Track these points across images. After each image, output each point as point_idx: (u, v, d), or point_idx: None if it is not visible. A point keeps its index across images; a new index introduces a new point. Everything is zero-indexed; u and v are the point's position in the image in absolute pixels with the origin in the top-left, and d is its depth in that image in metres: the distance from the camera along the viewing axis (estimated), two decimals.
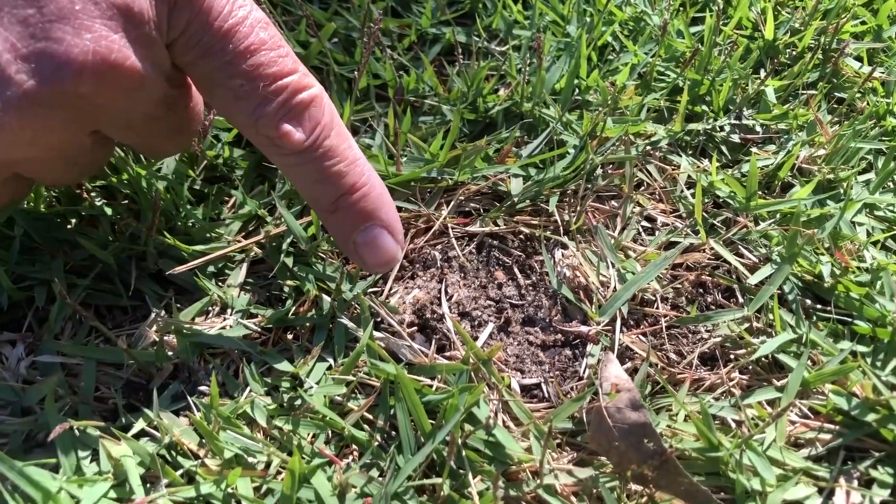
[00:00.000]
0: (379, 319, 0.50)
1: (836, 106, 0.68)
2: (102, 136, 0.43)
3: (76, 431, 0.43)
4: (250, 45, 0.42)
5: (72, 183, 0.49)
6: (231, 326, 0.51)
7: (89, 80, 0.36)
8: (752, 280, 0.52)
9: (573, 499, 0.43)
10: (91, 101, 0.37)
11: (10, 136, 0.36)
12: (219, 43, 0.41)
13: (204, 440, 0.44)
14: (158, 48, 0.39)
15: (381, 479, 0.43)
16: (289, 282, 0.53)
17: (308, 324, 0.51)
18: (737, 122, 0.63)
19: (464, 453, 0.43)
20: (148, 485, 0.42)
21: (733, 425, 0.47)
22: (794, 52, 0.71)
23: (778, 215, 0.57)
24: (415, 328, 0.50)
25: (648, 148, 0.61)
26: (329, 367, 0.48)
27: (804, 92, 0.68)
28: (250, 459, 0.43)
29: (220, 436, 0.44)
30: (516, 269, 0.55)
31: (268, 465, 0.43)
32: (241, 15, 0.42)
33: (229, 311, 0.52)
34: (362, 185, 0.46)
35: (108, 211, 0.54)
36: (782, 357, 0.49)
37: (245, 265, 0.53)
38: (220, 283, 0.53)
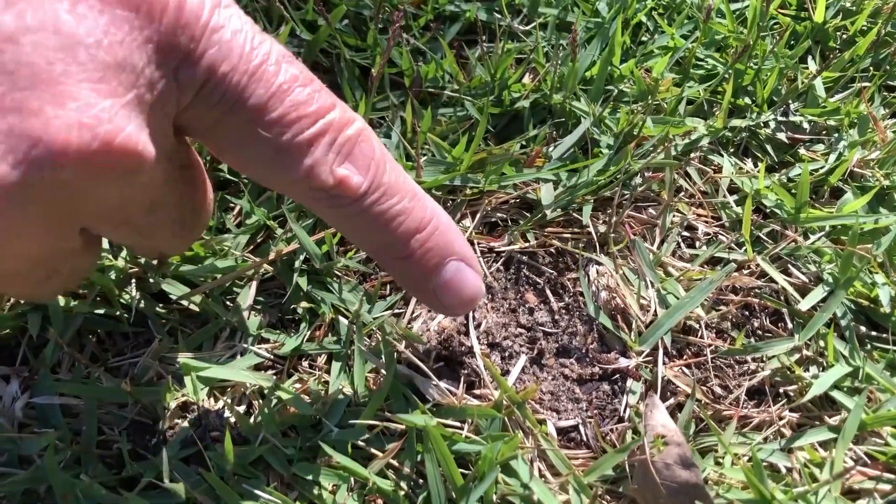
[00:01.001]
0: (402, 347, 0.47)
1: (893, 97, 0.63)
2: (90, 237, 0.35)
3: (80, 495, 0.40)
4: (282, 84, 0.34)
5: (50, 297, 0.38)
6: (242, 355, 0.47)
7: (75, 163, 0.28)
8: (803, 306, 0.48)
9: None
10: (76, 191, 0.29)
11: None
12: (247, 90, 0.33)
13: (219, 494, 0.41)
14: (160, 117, 0.32)
15: None
16: (303, 304, 0.49)
17: (325, 353, 0.47)
18: (783, 118, 0.58)
19: None
20: None
21: (784, 470, 0.44)
22: (846, 37, 0.66)
23: (828, 227, 0.52)
24: (441, 363, 0.46)
25: (688, 148, 0.57)
26: (349, 403, 0.45)
27: (856, 83, 0.62)
28: None
29: (235, 489, 0.41)
30: (548, 290, 0.51)
31: None
32: (263, 51, 0.34)
33: (239, 335, 0.48)
34: (431, 218, 0.40)
35: None
36: (836, 394, 0.45)
37: (255, 283, 0.49)
38: (228, 304, 0.49)
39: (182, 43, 0.31)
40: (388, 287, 0.51)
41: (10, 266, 0.30)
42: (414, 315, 0.50)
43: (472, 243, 0.52)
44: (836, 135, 0.58)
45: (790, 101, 0.60)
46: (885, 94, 0.63)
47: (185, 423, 0.44)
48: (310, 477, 0.42)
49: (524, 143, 0.57)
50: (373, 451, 0.43)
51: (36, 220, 0.29)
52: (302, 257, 0.50)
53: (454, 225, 0.42)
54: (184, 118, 0.33)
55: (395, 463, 0.43)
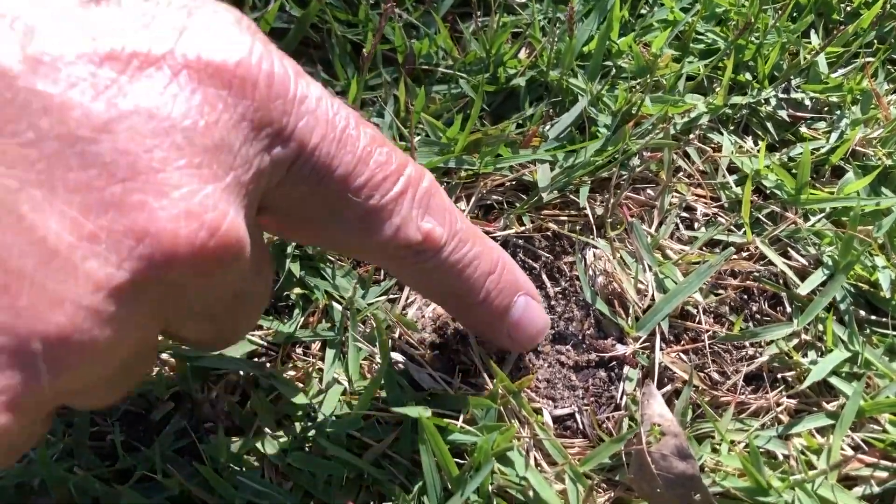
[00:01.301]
0: (396, 335, 0.46)
1: None
2: (163, 334, 0.32)
3: (73, 489, 0.39)
4: (365, 146, 0.33)
5: (112, 403, 0.33)
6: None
7: (184, 256, 0.25)
8: (803, 290, 0.48)
9: None
10: (179, 286, 0.26)
11: (78, 356, 0.24)
12: (336, 159, 0.31)
13: (213, 486, 0.41)
14: (253, 199, 0.29)
15: None
16: (296, 290, 0.48)
17: (319, 340, 0.47)
18: (784, 94, 0.57)
19: (494, 502, 0.40)
20: None
21: (781, 457, 0.44)
22: (850, 9, 0.64)
23: (828, 208, 0.52)
24: (436, 351, 0.46)
25: (688, 126, 0.56)
26: (344, 391, 0.45)
27: (859, 58, 0.61)
28: None
29: (230, 480, 0.41)
30: (544, 275, 0.50)
31: None
32: (343, 115, 0.32)
33: None
34: (499, 257, 0.40)
35: None
36: (834, 380, 0.45)
37: None
38: None
39: (274, 118, 0.29)
40: (382, 272, 0.50)
41: (98, 374, 0.27)
42: (409, 301, 0.49)
43: None
44: (839, 112, 0.57)
45: (792, 77, 0.58)
46: (889, 68, 0.62)
47: (179, 414, 0.44)
48: (305, 467, 0.42)
49: (520, 122, 0.56)
50: (368, 440, 0.42)
51: (140, 323, 0.27)
52: (293, 243, 0.49)
53: (513, 260, 0.42)
54: (269, 198, 0.31)
55: (390, 453, 0.42)
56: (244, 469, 0.41)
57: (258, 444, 0.42)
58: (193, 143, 0.26)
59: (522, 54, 0.60)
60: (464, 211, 0.51)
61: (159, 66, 0.26)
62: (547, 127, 0.55)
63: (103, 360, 0.26)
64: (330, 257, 0.50)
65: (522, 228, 0.51)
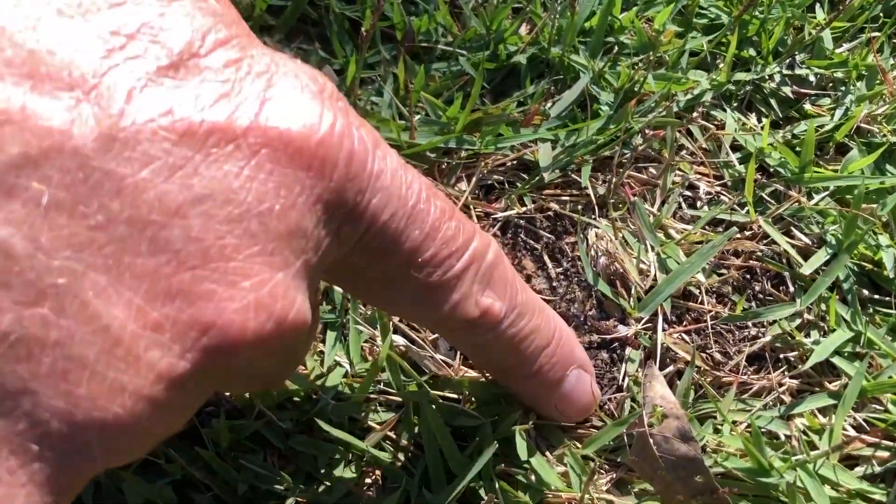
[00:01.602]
0: (397, 318, 0.46)
1: None
2: None
3: None
4: (434, 221, 0.31)
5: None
6: None
7: (249, 348, 0.25)
8: (806, 269, 0.47)
9: None
10: (237, 368, 0.26)
11: (130, 439, 0.24)
12: (404, 234, 0.30)
13: (215, 470, 0.41)
14: (317, 275, 0.29)
15: None
16: None
17: (320, 323, 0.47)
18: (789, 70, 0.57)
19: (497, 484, 0.40)
20: None
21: (783, 438, 0.44)
22: None
23: (832, 186, 0.51)
24: (437, 334, 0.46)
25: (691, 104, 0.55)
26: (345, 374, 0.44)
27: (865, 33, 0.60)
28: (265, 488, 0.40)
29: (232, 465, 0.41)
30: (546, 256, 0.50)
31: (285, 496, 0.40)
32: (415, 188, 0.31)
33: None
34: (554, 330, 0.39)
35: None
36: (837, 360, 0.45)
37: None
38: None
39: (349, 198, 0.28)
40: None
41: (143, 444, 0.26)
42: None
43: (468, 209, 0.51)
44: (843, 88, 0.56)
45: (796, 53, 0.57)
46: (895, 42, 0.61)
47: None
48: (307, 450, 0.42)
49: (521, 100, 0.55)
50: (370, 423, 0.43)
51: (193, 403, 0.26)
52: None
53: (570, 330, 0.41)
54: (332, 266, 0.30)
55: (392, 435, 0.42)
56: (246, 453, 0.42)
57: (259, 429, 0.42)
58: (268, 230, 0.25)
59: (523, 30, 0.59)
60: (464, 192, 0.51)
61: (238, 144, 0.24)
62: (548, 105, 0.54)
63: (149, 444, 0.26)
64: None
65: (524, 209, 0.51)
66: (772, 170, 0.53)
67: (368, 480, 0.42)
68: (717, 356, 0.46)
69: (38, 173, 0.21)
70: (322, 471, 0.41)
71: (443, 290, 0.33)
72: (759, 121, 0.56)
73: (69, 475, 0.23)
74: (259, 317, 0.24)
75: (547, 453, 0.42)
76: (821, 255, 0.48)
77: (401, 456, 0.42)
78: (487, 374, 0.43)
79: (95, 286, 0.22)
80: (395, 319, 0.45)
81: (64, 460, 0.23)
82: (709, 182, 0.53)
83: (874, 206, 0.50)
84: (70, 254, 0.22)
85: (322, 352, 0.46)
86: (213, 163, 0.24)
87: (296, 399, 0.44)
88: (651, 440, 0.40)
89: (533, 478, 0.41)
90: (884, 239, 0.49)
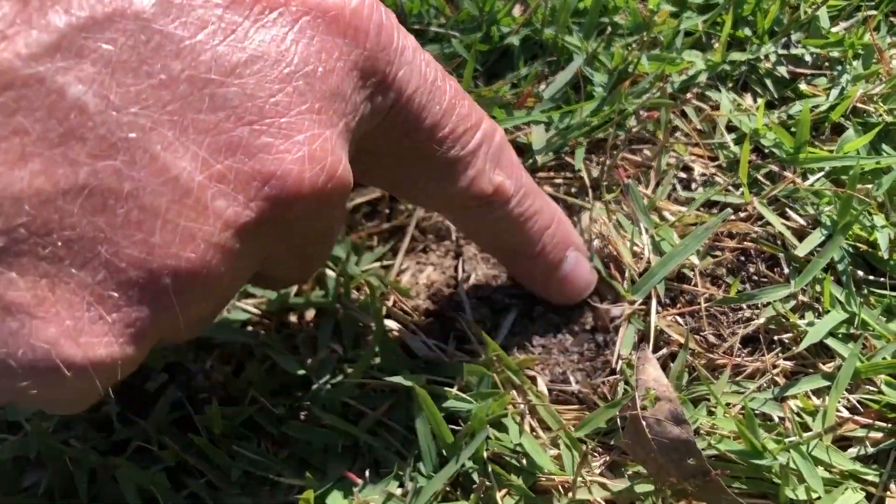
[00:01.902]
0: (390, 303, 0.46)
1: None
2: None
3: (69, 462, 0.40)
4: (451, 98, 0.34)
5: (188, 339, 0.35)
6: (229, 311, 0.47)
7: (307, 199, 0.27)
8: (800, 251, 0.47)
9: None
10: (288, 228, 0.28)
11: (203, 290, 0.26)
12: (426, 109, 0.33)
13: (209, 456, 0.41)
14: (354, 140, 0.31)
15: (400, 490, 0.40)
16: None
17: (313, 308, 0.47)
18: (784, 50, 0.56)
19: (489, 468, 0.40)
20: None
21: (776, 420, 0.44)
22: None
23: (828, 167, 0.51)
24: (430, 318, 0.46)
25: (686, 85, 0.54)
26: (339, 360, 0.44)
27: (860, 12, 0.59)
28: (259, 474, 0.40)
29: (225, 451, 0.41)
30: None
31: (278, 482, 0.40)
32: (433, 66, 0.33)
33: None
34: (554, 213, 0.42)
35: None
36: (831, 342, 0.45)
37: None
38: None
39: (380, 67, 0.30)
40: (375, 238, 0.50)
41: (209, 308, 0.29)
42: (403, 268, 0.49)
43: None
44: (839, 68, 0.56)
45: (792, 32, 0.57)
46: (892, 20, 0.61)
47: (174, 385, 0.44)
48: (300, 436, 0.42)
49: (515, 82, 0.55)
50: (363, 408, 0.43)
51: (253, 259, 0.28)
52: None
53: (566, 216, 0.44)
54: (362, 142, 0.32)
55: (385, 420, 0.42)
56: (240, 439, 0.42)
57: (253, 414, 0.42)
58: (314, 90, 0.27)
59: (516, 11, 0.58)
60: None
61: (281, 11, 0.26)
62: (542, 87, 0.54)
63: (216, 297, 0.28)
64: None
65: None
66: (767, 151, 0.52)
67: (362, 465, 0.42)
68: (711, 338, 0.46)
69: (105, 35, 0.23)
70: (316, 456, 0.41)
71: (460, 165, 0.35)
72: (755, 101, 0.55)
73: (146, 325, 0.25)
74: (313, 167, 0.27)
75: (540, 436, 0.42)
76: (815, 237, 0.48)
77: (394, 440, 0.42)
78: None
79: (163, 140, 0.24)
80: (388, 304, 0.45)
81: (141, 309, 0.25)
82: (703, 163, 0.52)
83: (869, 186, 0.49)
84: (138, 110, 0.24)
85: (315, 338, 0.46)
86: (261, 27, 0.26)
87: (289, 385, 0.44)
88: (644, 423, 0.40)
89: (525, 461, 0.41)
90: (879, 219, 0.48)
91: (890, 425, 0.43)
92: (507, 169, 0.38)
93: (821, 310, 0.47)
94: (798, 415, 0.44)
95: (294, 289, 0.47)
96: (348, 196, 0.30)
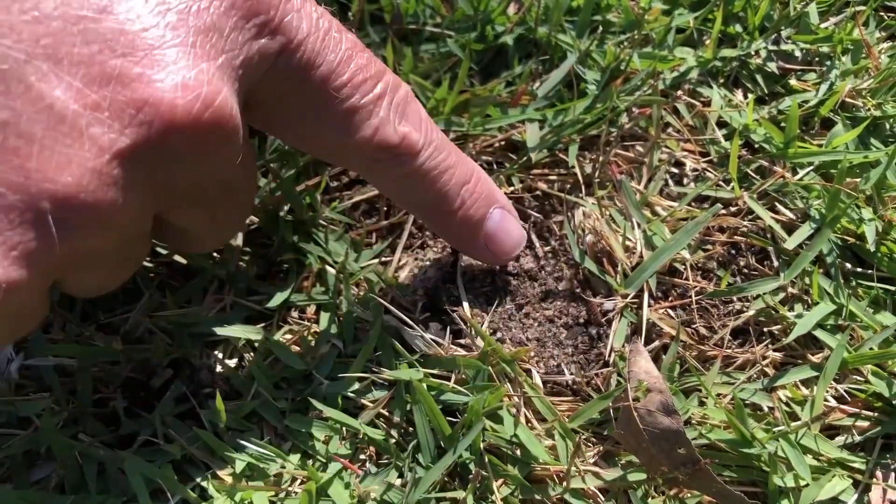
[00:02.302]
0: (389, 298, 0.47)
1: (891, 18, 0.61)
2: (155, 221, 0.34)
3: (78, 456, 0.41)
4: (347, 48, 0.35)
5: (107, 290, 0.36)
6: (231, 307, 0.48)
7: (181, 125, 0.28)
8: (790, 244, 0.48)
9: (600, 498, 0.41)
10: (174, 162, 0.29)
11: (83, 217, 0.27)
12: (320, 56, 0.34)
13: (213, 449, 0.42)
14: (242, 86, 0.32)
15: (399, 481, 0.41)
16: (290, 255, 0.49)
17: (313, 304, 0.48)
18: (774, 46, 0.57)
19: (486, 459, 0.41)
20: (160, 495, 0.41)
21: (766, 409, 0.45)
22: None
23: (817, 162, 0.52)
24: (428, 313, 0.47)
25: (677, 81, 0.55)
26: (339, 354, 0.46)
27: (849, 7, 0.60)
28: (262, 466, 0.42)
29: (230, 443, 0.42)
30: (534, 235, 0.51)
31: (281, 473, 0.42)
32: (327, 19, 0.35)
33: (228, 287, 0.48)
34: (473, 169, 0.42)
35: None
36: (819, 333, 0.46)
37: (241, 235, 0.49)
38: (214, 256, 0.49)
39: (262, 10, 0.31)
40: (374, 235, 0.51)
41: (102, 244, 0.29)
42: (401, 264, 0.50)
43: None
44: (829, 63, 0.57)
45: (782, 28, 0.58)
46: (882, 14, 0.61)
47: (178, 380, 0.45)
48: (302, 429, 0.43)
49: (509, 80, 0.55)
50: (363, 401, 0.44)
51: (140, 193, 0.29)
52: (286, 208, 0.50)
53: (487, 175, 0.44)
54: (255, 93, 0.33)
55: (385, 413, 0.44)
56: (243, 432, 0.43)
57: (256, 408, 0.43)
58: (187, 24, 0.28)
59: (511, 10, 0.59)
60: None
61: None
62: (536, 85, 0.55)
63: (104, 228, 0.28)
64: (322, 222, 0.50)
65: (512, 189, 0.52)
66: (757, 146, 0.53)
67: (362, 456, 0.43)
68: (702, 331, 0.47)
69: None
70: (317, 448, 0.43)
71: (362, 114, 0.36)
72: (745, 97, 0.56)
73: (30, 249, 0.26)
74: (187, 96, 0.28)
75: (535, 427, 0.43)
76: (804, 230, 0.49)
77: (393, 432, 0.43)
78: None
79: (38, 71, 0.26)
80: (387, 300, 0.46)
81: (24, 234, 0.26)
82: (695, 159, 0.53)
83: (857, 180, 0.50)
84: (10, 43, 0.25)
85: (316, 333, 0.47)
86: None
87: (291, 379, 0.45)
88: (635, 414, 0.41)
89: (521, 452, 0.42)
90: (867, 213, 0.49)
91: (876, 414, 0.44)
92: (415, 121, 0.39)
93: (809, 302, 0.48)
94: (787, 404, 0.45)
95: (294, 286, 0.48)
96: (237, 137, 0.31)
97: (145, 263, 0.49)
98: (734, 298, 0.48)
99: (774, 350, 0.47)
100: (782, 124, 0.53)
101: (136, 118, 0.27)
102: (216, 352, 0.46)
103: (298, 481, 0.41)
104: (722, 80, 0.57)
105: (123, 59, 0.27)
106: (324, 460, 0.42)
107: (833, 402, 0.45)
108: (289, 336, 0.47)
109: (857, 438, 0.44)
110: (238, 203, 0.37)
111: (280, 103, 0.35)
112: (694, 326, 0.47)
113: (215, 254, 0.49)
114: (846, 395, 0.45)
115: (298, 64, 0.33)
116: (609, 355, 0.46)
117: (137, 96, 0.27)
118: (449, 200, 0.41)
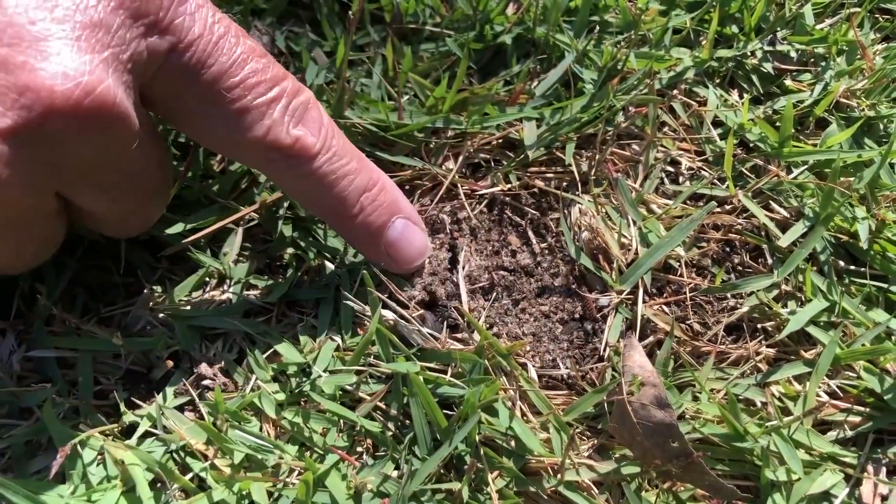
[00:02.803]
0: (387, 293, 0.47)
1: (885, 20, 0.62)
2: (63, 204, 0.37)
3: (79, 446, 0.41)
4: (241, 53, 0.37)
5: (22, 269, 0.40)
6: (231, 301, 0.48)
7: (61, 110, 0.30)
8: (783, 242, 0.49)
9: (594, 490, 0.42)
10: (59, 143, 0.31)
11: None
12: (211, 57, 0.36)
13: (212, 440, 0.42)
14: (133, 79, 0.34)
15: (396, 472, 0.42)
16: (289, 250, 0.50)
17: (312, 299, 0.48)
18: (770, 47, 0.57)
19: (481, 451, 0.42)
20: (159, 485, 0.41)
21: (759, 405, 0.45)
22: None
23: (811, 161, 0.52)
24: (425, 308, 0.47)
25: (674, 81, 0.56)
26: (337, 348, 0.46)
27: (844, 9, 0.61)
28: (261, 457, 0.42)
29: (228, 434, 0.42)
30: (530, 232, 0.51)
31: (279, 464, 0.42)
32: (224, 24, 0.37)
33: (228, 282, 0.49)
34: (377, 179, 0.44)
35: None
36: (812, 329, 0.46)
37: (240, 230, 0.50)
38: (215, 251, 0.49)
39: (151, 10, 0.33)
40: None
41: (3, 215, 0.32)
42: None
43: (454, 186, 0.52)
44: (824, 64, 0.57)
45: (778, 29, 0.58)
46: (876, 16, 0.62)
47: (178, 372, 0.45)
48: (300, 421, 0.43)
49: (507, 79, 0.56)
50: (360, 394, 0.44)
51: (22, 172, 0.31)
52: (286, 204, 0.50)
53: (397, 188, 0.45)
54: (152, 88, 0.36)
55: (382, 405, 0.44)
56: (242, 424, 0.43)
57: (255, 400, 0.44)
58: (73, 19, 0.30)
59: (509, 10, 0.60)
60: (451, 170, 0.52)
61: None
62: (534, 84, 0.55)
63: (9, 204, 0.31)
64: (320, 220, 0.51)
65: (509, 186, 0.52)
66: (752, 145, 0.54)
67: (360, 448, 0.43)
68: (697, 327, 0.48)
69: None
70: (315, 440, 0.43)
71: (255, 113, 0.38)
72: (741, 97, 0.57)
73: None
74: (66, 83, 0.30)
75: (530, 420, 0.44)
76: (798, 228, 0.49)
77: (390, 425, 0.43)
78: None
79: None
80: (385, 295, 0.47)
81: None
82: (690, 158, 0.54)
83: (851, 179, 0.51)
84: None
85: (314, 327, 0.47)
86: None
87: (289, 372, 0.45)
88: (629, 407, 0.41)
89: (516, 444, 0.42)
90: (860, 211, 0.50)
91: (868, 410, 0.45)
92: (313, 127, 0.40)
93: (803, 299, 0.48)
94: (780, 400, 0.45)
95: (293, 280, 0.48)
96: (123, 125, 0.32)
97: (146, 259, 0.49)
98: (728, 295, 0.49)
99: (768, 346, 0.47)
100: (777, 124, 0.53)
101: (18, 102, 0.29)
102: (216, 345, 0.47)
103: (296, 472, 0.42)
104: (718, 80, 0.58)
105: (9, 49, 0.29)
106: (321, 452, 0.43)
107: (825, 398, 0.45)
108: (287, 329, 0.47)
109: (849, 433, 0.44)
110: (142, 190, 0.39)
111: (177, 99, 0.37)
112: (688, 322, 0.48)
113: (214, 249, 0.49)
114: (838, 391, 0.46)
115: (189, 63, 0.35)
116: (604, 350, 0.46)
117: (21, 82, 0.29)
118: (348, 206, 0.43)
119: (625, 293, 0.48)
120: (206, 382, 0.45)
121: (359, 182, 0.42)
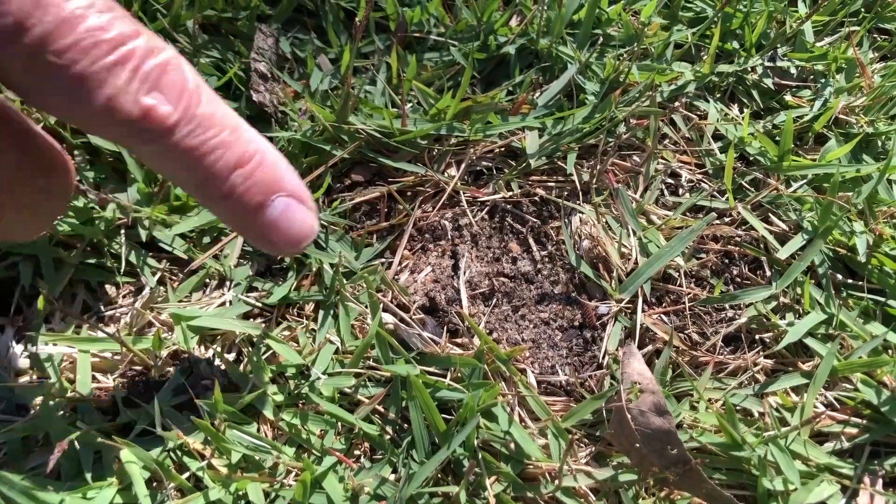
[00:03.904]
0: (388, 298, 0.48)
1: (883, 40, 0.62)
2: None
3: (76, 443, 0.41)
4: (75, 10, 0.31)
5: None
6: (231, 303, 0.48)
7: None
8: (782, 254, 0.49)
9: (591, 497, 0.42)
10: None
11: None
12: (31, 17, 0.30)
13: (210, 439, 0.42)
14: None
15: (393, 475, 0.42)
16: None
17: (312, 301, 0.48)
18: (770, 63, 0.58)
19: (480, 455, 0.42)
20: (155, 483, 0.41)
21: (756, 415, 0.45)
22: None
23: (810, 175, 0.53)
24: (425, 312, 0.47)
25: (675, 94, 0.57)
26: (336, 350, 0.46)
27: (844, 28, 0.62)
28: (258, 458, 0.42)
29: (226, 434, 0.42)
30: (531, 240, 0.51)
31: (276, 465, 0.42)
32: None
33: (228, 284, 0.49)
34: (254, 153, 0.37)
35: (91, 174, 0.50)
36: (810, 341, 0.47)
37: None
38: (216, 253, 0.50)
39: None
40: (374, 236, 0.52)
41: None
42: (402, 266, 0.50)
43: (456, 193, 0.52)
44: (823, 80, 0.58)
45: (778, 46, 0.59)
46: (875, 36, 0.63)
47: (177, 371, 0.45)
48: (298, 423, 0.43)
49: (510, 89, 0.57)
50: (359, 397, 0.44)
51: None
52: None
53: (284, 160, 0.39)
54: None
55: (380, 409, 0.44)
56: (240, 423, 0.43)
57: (253, 401, 0.44)
58: None
59: (513, 22, 0.60)
60: (454, 177, 0.52)
61: None
62: (536, 94, 0.56)
63: None
64: (323, 222, 0.51)
65: (511, 194, 0.52)
66: (752, 158, 0.54)
67: (357, 451, 0.43)
68: (695, 336, 0.48)
69: None
70: (313, 442, 0.43)
71: (91, 82, 0.32)
72: (741, 111, 0.58)
73: None
74: None
75: (528, 425, 0.44)
76: (797, 241, 0.50)
77: (388, 428, 0.43)
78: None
79: None
80: (386, 299, 0.47)
81: None
82: (690, 170, 0.54)
83: (849, 193, 0.51)
84: None
85: (314, 329, 0.47)
86: None
87: (288, 374, 0.45)
88: (628, 414, 0.41)
89: (514, 449, 0.42)
90: (858, 225, 0.50)
91: (865, 421, 0.45)
92: (171, 94, 0.34)
93: (801, 311, 0.48)
94: (777, 410, 0.45)
95: (294, 283, 0.48)
96: None
97: (147, 259, 0.49)
98: (727, 306, 0.49)
99: (766, 357, 0.47)
100: (777, 138, 0.54)
101: None
102: (215, 345, 0.46)
103: (293, 473, 0.42)
104: (718, 95, 0.58)
105: None
106: (319, 454, 0.43)
107: (822, 409, 0.46)
108: (287, 332, 0.47)
109: (846, 445, 0.44)
110: (16, 194, 0.34)
111: (9, 73, 0.31)
112: (687, 332, 0.48)
113: (215, 251, 0.49)
114: (835, 403, 0.46)
115: (5, 27, 0.30)
116: (603, 358, 0.47)
117: None
118: (217, 184, 0.36)
119: (624, 302, 0.48)
120: (204, 383, 0.45)
121: (229, 157, 0.36)
